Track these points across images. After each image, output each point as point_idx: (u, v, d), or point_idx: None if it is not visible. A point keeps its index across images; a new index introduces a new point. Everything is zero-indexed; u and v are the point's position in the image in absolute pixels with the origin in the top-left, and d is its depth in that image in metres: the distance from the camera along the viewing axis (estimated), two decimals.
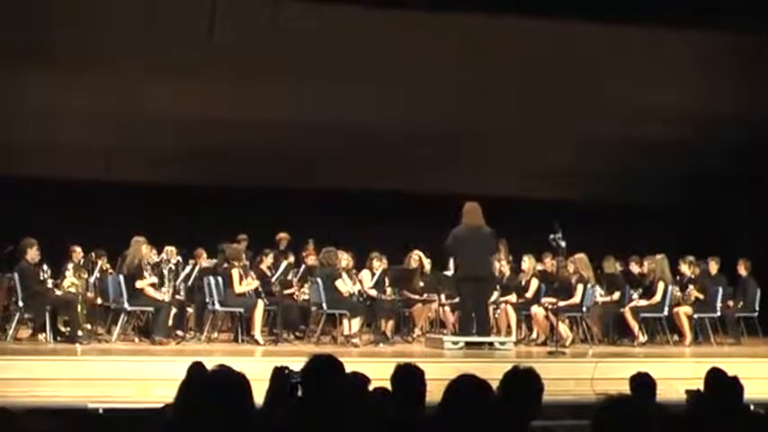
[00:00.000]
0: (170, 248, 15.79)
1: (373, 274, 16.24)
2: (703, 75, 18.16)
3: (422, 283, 16.54)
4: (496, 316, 15.77)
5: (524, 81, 17.87)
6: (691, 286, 16.47)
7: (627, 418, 4.20)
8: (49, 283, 14.79)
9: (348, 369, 5.55)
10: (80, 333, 14.03)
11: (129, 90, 17.00)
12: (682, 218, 20.02)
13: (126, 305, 14.44)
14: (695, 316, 16.21)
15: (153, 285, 14.73)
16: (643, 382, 7.48)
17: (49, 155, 17.99)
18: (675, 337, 16.21)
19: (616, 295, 16.19)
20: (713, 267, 17.12)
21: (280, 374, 5.78)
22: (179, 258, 15.93)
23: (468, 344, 14.19)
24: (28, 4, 15.77)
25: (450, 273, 16.08)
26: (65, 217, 17.10)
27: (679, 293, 16.41)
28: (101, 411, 9.22)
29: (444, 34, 16.88)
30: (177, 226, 17.04)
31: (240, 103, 17.39)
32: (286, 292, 16.32)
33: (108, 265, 16.20)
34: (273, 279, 16.25)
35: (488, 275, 14.88)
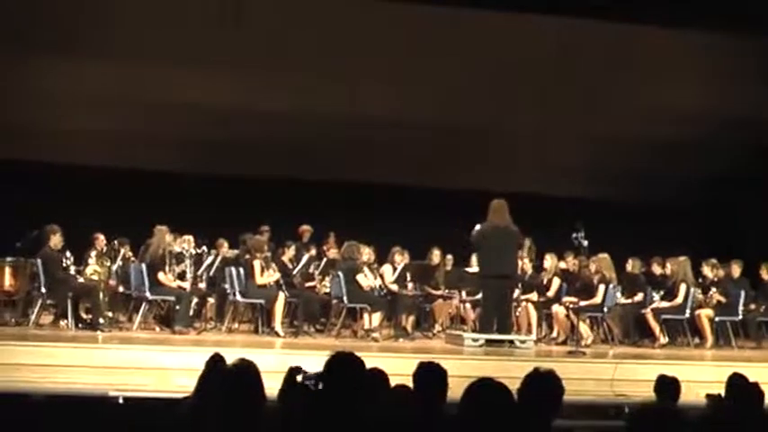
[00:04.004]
0: (188, 237, 15.79)
1: (395, 269, 16.23)
2: (723, 75, 18.09)
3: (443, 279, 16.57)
4: (517, 314, 15.72)
5: (545, 81, 17.84)
6: (713, 289, 16.40)
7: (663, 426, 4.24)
8: (72, 270, 14.85)
9: (368, 364, 5.55)
10: (101, 320, 14.07)
11: (156, 78, 17.08)
12: (705, 219, 19.91)
13: (147, 294, 14.48)
14: (717, 319, 16.12)
15: (176, 276, 14.80)
16: (667, 385, 7.48)
17: (73, 142, 18.08)
18: (696, 340, 16.13)
19: (638, 296, 16.12)
20: (736, 270, 16.99)
21: (293, 375, 5.81)
22: (204, 248, 15.98)
23: (488, 341, 14.15)
24: None
25: (471, 269, 16.08)
26: (88, 204, 17.16)
27: (701, 296, 16.34)
28: (120, 400, 9.25)
29: (466, 32, 16.87)
30: (201, 216, 17.06)
31: (266, 93, 17.42)
32: (307, 284, 16.33)
33: (131, 254, 16.23)
34: (295, 271, 16.26)
35: (512, 273, 14.78)
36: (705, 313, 16.03)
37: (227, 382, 5.28)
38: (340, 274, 15.05)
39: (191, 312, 14.80)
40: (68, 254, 14.80)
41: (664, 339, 15.75)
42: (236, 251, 16.49)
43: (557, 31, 17.07)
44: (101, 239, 15.83)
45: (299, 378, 5.84)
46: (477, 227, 14.54)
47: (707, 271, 16.75)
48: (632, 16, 16.29)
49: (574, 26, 16.96)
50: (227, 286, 15.24)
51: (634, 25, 16.87)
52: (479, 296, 15.39)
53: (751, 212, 20.15)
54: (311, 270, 16.73)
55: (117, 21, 16.45)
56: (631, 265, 16.52)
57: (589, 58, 17.67)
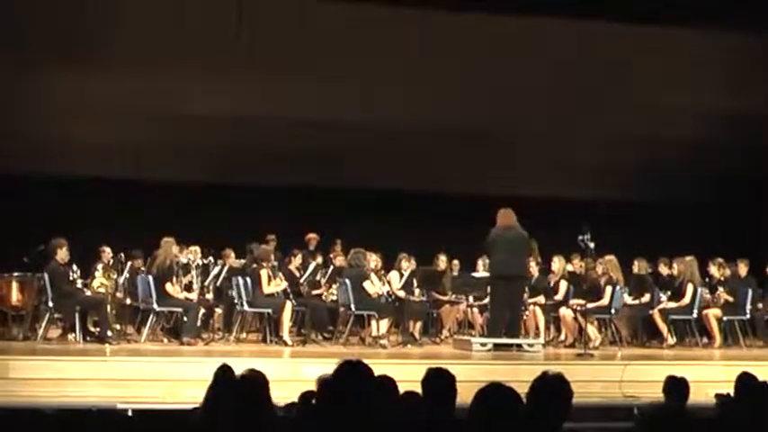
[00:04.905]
0: (194, 248, 15.82)
1: (402, 275, 16.23)
2: (732, 74, 18.04)
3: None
4: (525, 317, 15.72)
5: (553, 81, 17.81)
6: (720, 288, 16.40)
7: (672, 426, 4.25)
8: (79, 284, 14.89)
9: (376, 371, 5.55)
10: (109, 333, 14.08)
11: (160, 88, 17.04)
12: (711, 219, 19.87)
13: (155, 305, 14.48)
14: (724, 318, 16.12)
15: (183, 287, 14.83)
16: (676, 385, 7.47)
17: (78, 153, 18.07)
18: (704, 340, 16.12)
19: (646, 297, 16.10)
20: (742, 269, 16.95)
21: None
22: (210, 258, 16.00)
23: (496, 345, 14.15)
24: (58, 2, 15.83)
25: (478, 274, 16.09)
26: (95, 216, 17.19)
27: (708, 295, 16.34)
28: (130, 413, 9.26)
29: (473, 34, 16.83)
30: (206, 226, 17.09)
31: (269, 101, 17.41)
32: (314, 292, 16.33)
33: (139, 262, 16.23)
34: (302, 280, 16.27)
35: (521, 274, 14.78)
36: (713, 313, 16.03)
37: (237, 393, 5.28)
38: (347, 281, 15.05)
39: (198, 323, 14.80)
40: (75, 267, 14.83)
41: (672, 340, 15.76)
42: (242, 261, 16.51)
43: (567, 32, 17.01)
44: (107, 252, 15.85)
45: None
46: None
47: (713, 270, 16.75)
48: (643, 17, 16.25)
49: (584, 28, 16.90)
50: (234, 295, 15.25)
51: (644, 26, 16.80)
52: (487, 301, 15.41)
53: (758, 211, 20.12)
54: (318, 278, 16.74)
55: (122, 30, 16.40)
56: (638, 266, 16.51)
57: (597, 59, 17.61)
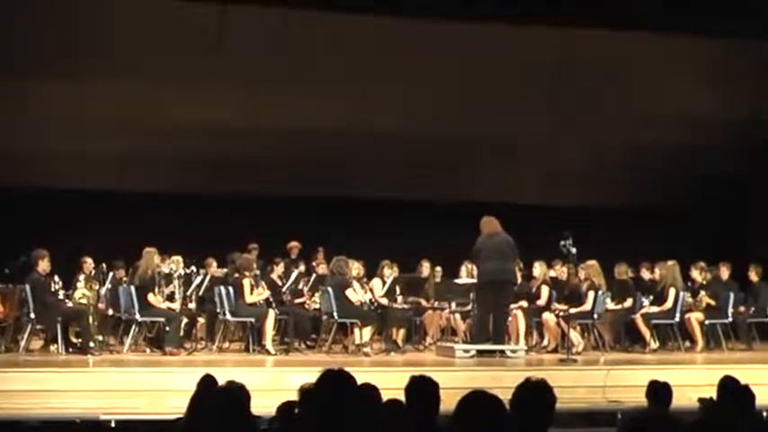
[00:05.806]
0: (176, 258, 15.81)
1: (384, 283, 16.22)
2: (717, 79, 18.08)
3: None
4: (507, 323, 15.72)
5: (538, 88, 17.80)
6: (702, 292, 16.44)
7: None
8: (61, 295, 14.84)
9: (359, 379, 5.53)
10: (92, 344, 14.04)
11: (141, 100, 17.01)
12: (693, 222, 19.89)
13: (137, 316, 14.45)
14: (707, 322, 16.18)
15: (165, 297, 14.80)
16: (659, 390, 7.49)
17: (59, 165, 18.02)
18: (687, 344, 16.16)
19: (628, 302, 16.14)
20: (724, 273, 17.00)
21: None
22: (192, 268, 15.97)
23: (479, 352, 14.16)
24: (45, 15, 15.78)
25: (461, 281, 16.10)
26: (76, 227, 17.13)
27: (690, 299, 16.37)
28: (113, 423, 9.23)
29: (464, 45, 16.81)
30: (188, 236, 17.05)
31: (252, 111, 17.41)
32: (297, 301, 16.32)
33: (122, 273, 16.19)
34: (284, 288, 16.25)
35: (511, 279, 14.76)
36: (695, 317, 16.07)
37: (217, 406, 5.27)
38: (329, 289, 15.03)
39: (181, 333, 14.77)
40: (57, 278, 14.79)
41: (654, 344, 15.78)
42: (224, 270, 16.47)
43: (556, 39, 17.01)
44: (89, 263, 15.79)
45: None
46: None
47: (695, 274, 16.79)
48: (631, 24, 16.29)
49: (573, 34, 16.89)
50: (216, 304, 15.21)
51: (633, 32, 16.82)
52: (469, 307, 15.40)
53: (741, 214, 20.17)
54: (300, 286, 16.72)
55: (110, 44, 16.35)
56: (619, 271, 16.54)
57: (585, 65, 17.62)
